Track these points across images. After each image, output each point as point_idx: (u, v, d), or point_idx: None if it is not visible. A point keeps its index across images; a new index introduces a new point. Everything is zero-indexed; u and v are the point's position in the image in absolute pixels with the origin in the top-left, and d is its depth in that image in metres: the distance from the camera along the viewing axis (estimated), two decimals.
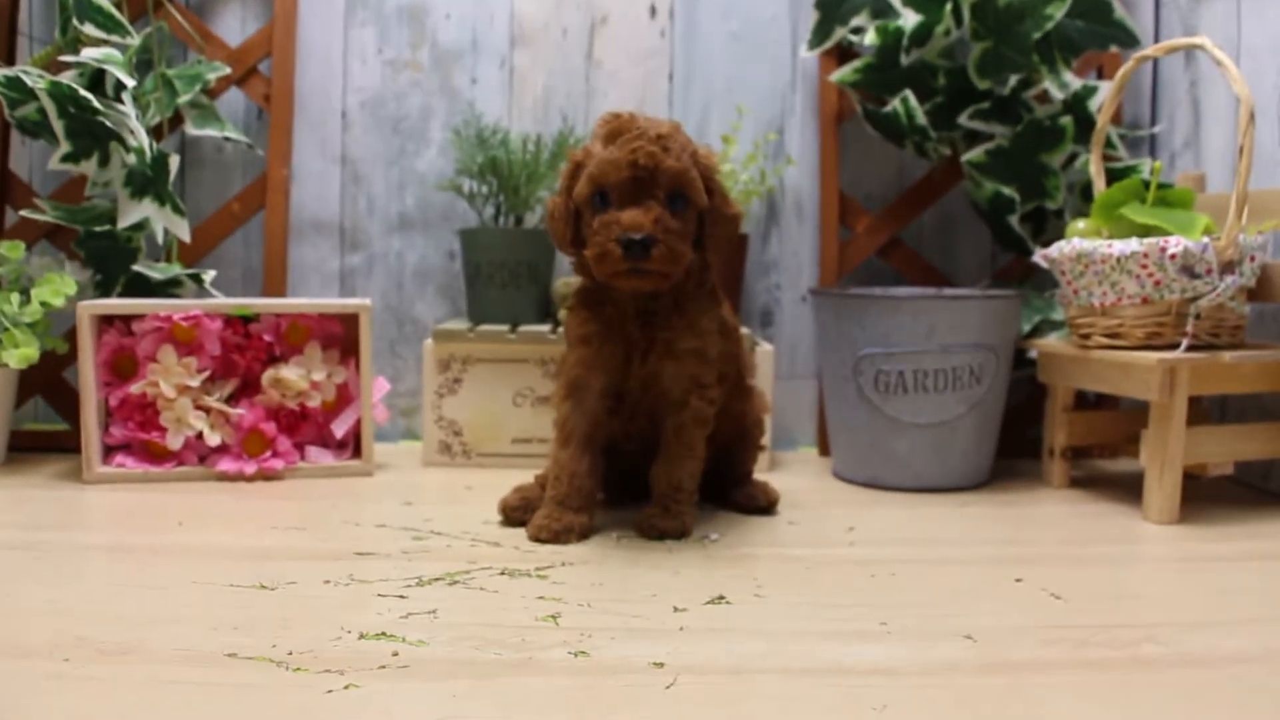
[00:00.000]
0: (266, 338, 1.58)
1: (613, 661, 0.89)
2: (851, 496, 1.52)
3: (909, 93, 1.63)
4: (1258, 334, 1.56)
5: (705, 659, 0.90)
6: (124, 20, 1.59)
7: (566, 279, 1.70)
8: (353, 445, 1.63)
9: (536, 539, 1.25)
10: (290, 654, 0.88)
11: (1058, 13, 1.58)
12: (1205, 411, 1.60)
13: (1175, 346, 1.38)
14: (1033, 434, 1.77)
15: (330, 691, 0.81)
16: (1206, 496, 1.50)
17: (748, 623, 0.99)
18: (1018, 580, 1.12)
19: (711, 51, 1.85)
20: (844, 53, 1.77)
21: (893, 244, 1.81)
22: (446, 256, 1.86)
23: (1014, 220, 1.66)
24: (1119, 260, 1.39)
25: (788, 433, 1.87)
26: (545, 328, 1.66)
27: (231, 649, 0.89)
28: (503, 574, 1.12)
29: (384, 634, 0.94)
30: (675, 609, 1.02)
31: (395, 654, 0.89)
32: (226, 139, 1.75)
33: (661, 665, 0.88)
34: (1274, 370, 1.42)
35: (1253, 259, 1.39)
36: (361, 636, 0.93)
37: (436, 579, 1.10)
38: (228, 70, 1.72)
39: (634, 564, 1.17)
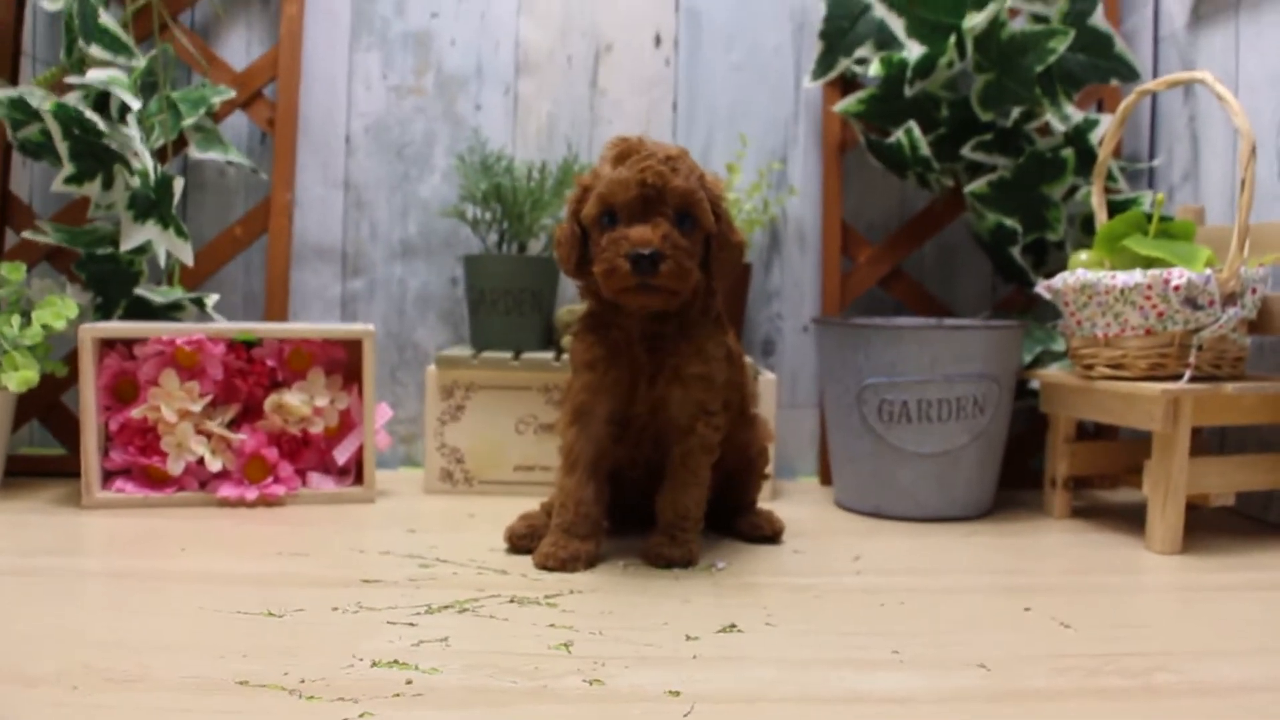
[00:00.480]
0: (269, 363, 1.58)
1: (628, 690, 0.88)
2: (855, 526, 1.52)
3: (913, 124, 1.64)
4: (1257, 366, 1.57)
5: (721, 687, 0.89)
6: (129, 42, 1.59)
7: (570, 306, 1.70)
8: (354, 472, 1.62)
9: (543, 567, 1.24)
10: (302, 682, 0.88)
11: (1060, 46, 1.60)
12: (1204, 443, 1.61)
13: (1178, 378, 1.39)
14: (1033, 465, 1.77)
15: None
16: (1208, 527, 1.51)
17: (761, 651, 0.98)
18: (1026, 609, 1.12)
19: (715, 81, 1.86)
20: (847, 84, 1.78)
21: (894, 274, 1.81)
22: (448, 283, 1.86)
23: (1016, 251, 1.67)
24: (1123, 291, 1.39)
25: (789, 462, 1.87)
26: (548, 355, 1.65)
27: (242, 676, 0.88)
28: (512, 602, 1.11)
29: (396, 662, 0.93)
30: (687, 637, 1.01)
31: (409, 682, 0.88)
32: (230, 163, 1.75)
33: (677, 694, 0.87)
34: (1275, 402, 1.42)
35: (1254, 291, 1.40)
36: (374, 664, 0.92)
37: (446, 606, 1.09)
38: (232, 94, 1.73)
39: (642, 592, 1.17)
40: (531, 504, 1.41)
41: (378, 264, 1.86)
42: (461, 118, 1.85)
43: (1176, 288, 1.36)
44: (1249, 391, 1.39)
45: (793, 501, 1.67)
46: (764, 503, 1.52)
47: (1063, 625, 1.07)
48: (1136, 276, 1.38)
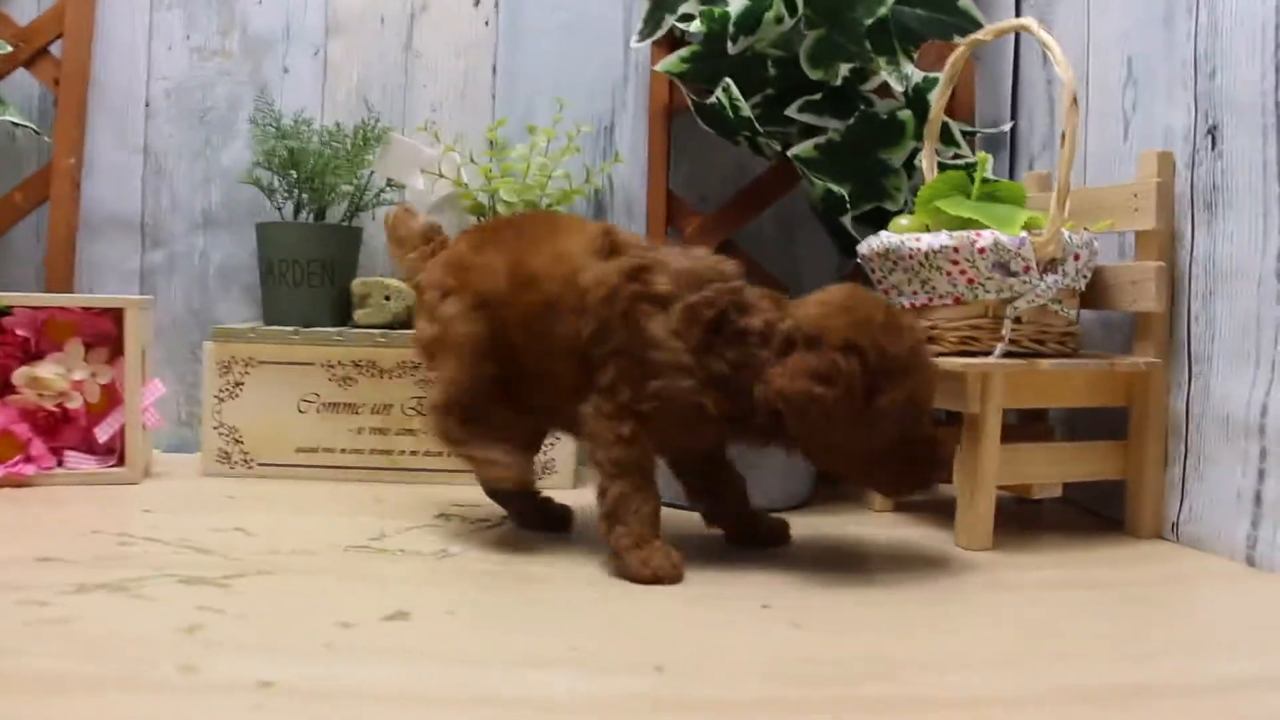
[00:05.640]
0: (20, 333, 1.45)
1: (220, 680, 0.75)
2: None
3: (729, 82, 1.50)
4: (1104, 346, 1.43)
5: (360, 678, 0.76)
6: None
7: (363, 279, 1.57)
8: (120, 452, 1.49)
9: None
10: None
11: None
12: (1048, 430, 1.47)
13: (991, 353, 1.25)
14: None
15: None
16: (1039, 522, 1.37)
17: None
18: (764, 607, 0.98)
19: (539, 43, 1.74)
20: (677, 43, 1.65)
21: (726, 247, 1.67)
22: (252, 256, 1.73)
23: (847, 220, 1.53)
24: (927, 255, 1.26)
25: None
26: (332, 329, 1.52)
27: None
28: (182, 582, 0.99)
29: None
30: (345, 625, 0.88)
31: None
32: (15, 125, 1.63)
33: (271, 684, 0.74)
34: (1105, 381, 1.29)
35: (1077, 258, 1.26)
36: None
37: (101, 585, 0.96)
38: (9, 49, 1.60)
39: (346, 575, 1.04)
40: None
41: (178, 235, 1.74)
42: (267, 81, 1.73)
43: (983, 250, 1.22)
44: (1069, 368, 1.25)
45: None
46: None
47: (793, 625, 0.93)
48: (942, 239, 1.25)
